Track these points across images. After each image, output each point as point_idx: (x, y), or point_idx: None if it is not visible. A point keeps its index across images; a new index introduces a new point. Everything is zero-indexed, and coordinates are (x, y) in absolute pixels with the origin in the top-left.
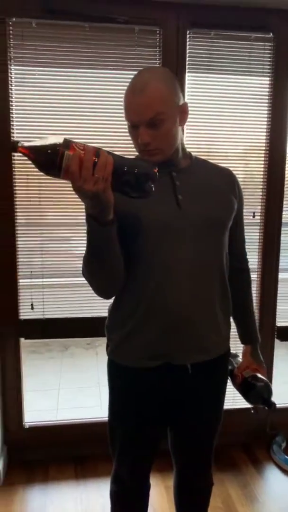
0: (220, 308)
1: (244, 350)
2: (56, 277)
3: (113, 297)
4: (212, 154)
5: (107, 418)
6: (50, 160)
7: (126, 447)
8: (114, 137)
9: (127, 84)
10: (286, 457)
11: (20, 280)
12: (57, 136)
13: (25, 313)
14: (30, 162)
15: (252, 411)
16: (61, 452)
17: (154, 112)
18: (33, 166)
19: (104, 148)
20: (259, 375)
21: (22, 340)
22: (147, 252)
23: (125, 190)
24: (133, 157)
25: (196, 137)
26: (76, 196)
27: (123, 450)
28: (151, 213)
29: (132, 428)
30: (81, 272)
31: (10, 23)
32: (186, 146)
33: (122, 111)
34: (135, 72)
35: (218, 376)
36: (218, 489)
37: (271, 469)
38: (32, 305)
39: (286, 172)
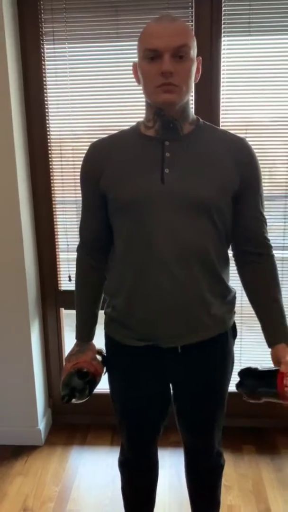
0: (210, 291)
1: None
2: None
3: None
4: (252, 124)
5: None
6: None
7: (122, 419)
8: None
9: None
10: None
11: (59, 254)
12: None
13: (64, 285)
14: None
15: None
16: (100, 420)
17: (183, 40)
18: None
19: None
20: None
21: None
22: (127, 230)
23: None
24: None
25: (235, 107)
26: None
27: (120, 421)
28: (131, 187)
29: (125, 402)
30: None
31: None
32: (222, 117)
33: None
34: None
35: (214, 356)
36: (251, 471)
37: None
38: (69, 277)
39: None
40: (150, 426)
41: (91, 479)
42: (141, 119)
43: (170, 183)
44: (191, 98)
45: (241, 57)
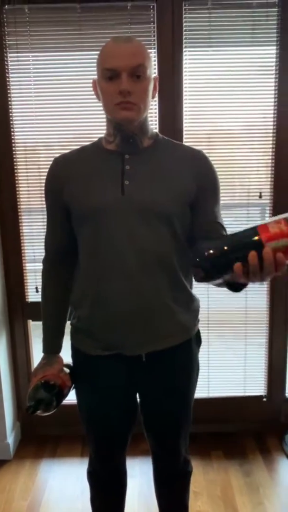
0: (173, 299)
1: None
2: None
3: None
4: (215, 135)
5: None
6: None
7: (89, 429)
8: None
9: None
10: None
11: (26, 264)
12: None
13: (32, 296)
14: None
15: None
16: (70, 431)
17: (140, 60)
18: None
19: None
20: None
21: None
22: (90, 240)
23: None
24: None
25: (198, 119)
26: None
27: (87, 431)
28: (93, 199)
29: (91, 412)
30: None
31: (4, 10)
32: (186, 129)
33: None
34: None
35: (179, 363)
36: (220, 477)
37: (280, 460)
38: (37, 288)
39: None
40: (117, 436)
41: (61, 492)
42: (104, 132)
43: (129, 194)
44: (155, 110)
45: (202, 69)
